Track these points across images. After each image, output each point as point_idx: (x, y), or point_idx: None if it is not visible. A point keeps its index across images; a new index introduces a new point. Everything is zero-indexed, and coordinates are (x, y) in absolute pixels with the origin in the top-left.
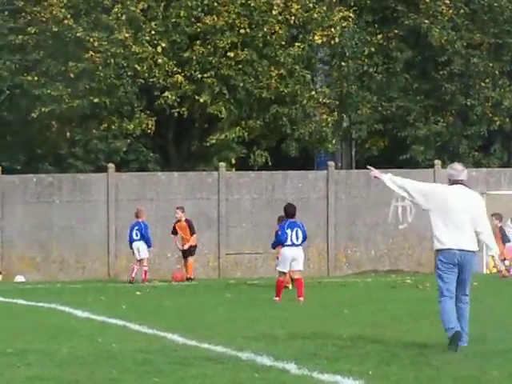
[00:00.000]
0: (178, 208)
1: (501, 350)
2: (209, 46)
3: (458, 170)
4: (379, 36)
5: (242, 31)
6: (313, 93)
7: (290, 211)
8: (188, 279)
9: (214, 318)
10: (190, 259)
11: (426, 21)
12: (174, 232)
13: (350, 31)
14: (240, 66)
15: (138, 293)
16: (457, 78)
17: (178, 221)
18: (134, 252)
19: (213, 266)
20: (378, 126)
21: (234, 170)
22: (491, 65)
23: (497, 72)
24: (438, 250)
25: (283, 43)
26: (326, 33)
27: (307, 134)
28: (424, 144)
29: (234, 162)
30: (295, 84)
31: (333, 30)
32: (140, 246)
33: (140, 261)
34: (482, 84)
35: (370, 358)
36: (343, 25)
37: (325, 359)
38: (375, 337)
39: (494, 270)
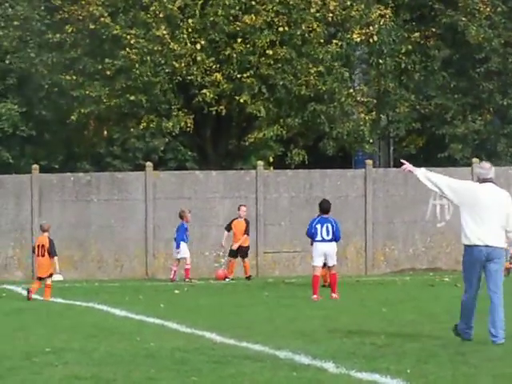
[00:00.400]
0: (243, 205)
1: None
2: (248, 45)
3: (486, 168)
4: (417, 34)
5: (280, 29)
6: (351, 91)
7: (323, 207)
8: (247, 278)
9: (251, 316)
10: (247, 260)
11: (464, 18)
12: (228, 228)
13: (387, 29)
14: (279, 65)
15: (176, 291)
16: (494, 76)
17: (236, 218)
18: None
19: (251, 265)
20: (415, 125)
21: (271, 168)
22: None
23: None
24: (466, 245)
25: (322, 41)
26: (364, 31)
27: (345, 132)
28: (462, 142)
29: (271, 160)
30: (333, 82)
31: (371, 27)
32: (182, 246)
33: (179, 260)
34: None
35: (407, 356)
36: (381, 22)
37: (362, 358)
38: (413, 335)
39: None
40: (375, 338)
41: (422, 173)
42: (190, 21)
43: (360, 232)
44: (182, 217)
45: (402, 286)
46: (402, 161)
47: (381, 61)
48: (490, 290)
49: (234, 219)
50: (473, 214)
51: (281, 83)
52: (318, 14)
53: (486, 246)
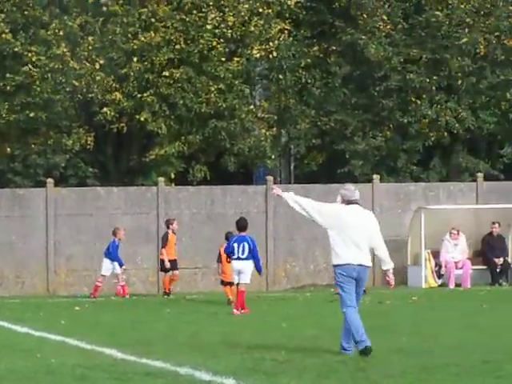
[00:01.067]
0: (174, 219)
1: (440, 365)
2: (146, 63)
3: (351, 190)
4: (316, 48)
5: (177, 47)
6: (251, 107)
7: (240, 225)
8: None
9: (152, 333)
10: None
11: (364, 36)
12: (165, 244)
13: (287, 44)
14: (179, 84)
15: (76, 308)
16: (394, 93)
17: (167, 233)
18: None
19: (152, 281)
20: (316, 141)
21: (173, 184)
22: (428, 80)
23: (434, 88)
24: (337, 265)
25: (222, 59)
26: (263, 46)
27: (246, 148)
28: (362, 158)
29: (173, 176)
30: (234, 98)
31: (270, 43)
32: (105, 262)
33: (103, 276)
34: (419, 101)
35: (308, 372)
36: (280, 38)
37: (263, 374)
38: (314, 351)
39: (433, 284)
40: (276, 353)
41: (290, 197)
42: (89, 38)
43: (261, 248)
44: (114, 233)
45: (303, 301)
46: (272, 186)
47: (281, 76)
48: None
49: (167, 234)
50: (342, 235)
51: (181, 102)
52: (216, 31)
53: (359, 265)
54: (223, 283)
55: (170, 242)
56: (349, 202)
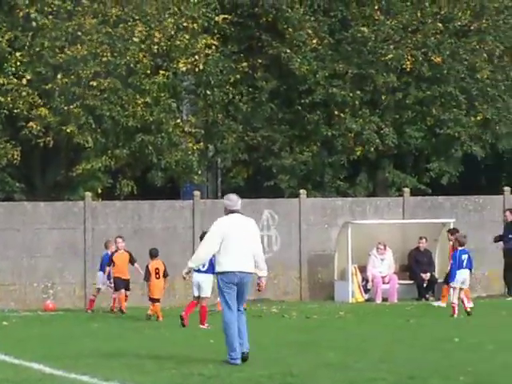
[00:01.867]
0: (119, 237)
1: (366, 380)
2: (72, 76)
3: (234, 200)
4: (244, 64)
5: (104, 59)
6: (178, 121)
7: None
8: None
9: (80, 347)
10: (127, 293)
11: (289, 50)
12: (109, 263)
13: (214, 59)
14: (105, 96)
15: (4, 323)
16: (319, 107)
17: (116, 251)
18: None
19: (79, 296)
20: (242, 156)
21: (100, 199)
22: (351, 95)
23: (357, 102)
24: (219, 273)
25: (148, 72)
26: (189, 60)
27: (173, 163)
28: (289, 173)
29: (100, 191)
30: (160, 112)
31: (197, 57)
32: (100, 276)
33: (98, 289)
34: (342, 115)
35: None
36: (207, 52)
37: None
38: (241, 366)
39: (360, 299)
40: (203, 368)
41: (192, 261)
42: (17, 54)
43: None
44: (106, 246)
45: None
46: (183, 275)
47: (208, 91)
48: (238, 311)
49: (114, 252)
50: (225, 243)
51: (107, 114)
52: (142, 45)
53: (240, 272)
54: (152, 300)
55: (116, 261)
56: (231, 212)
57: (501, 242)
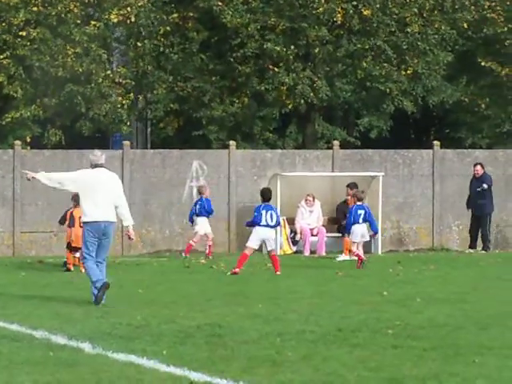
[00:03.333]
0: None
1: (295, 332)
2: (3, 24)
3: (98, 155)
4: (175, 15)
5: (35, 9)
6: (108, 72)
7: (267, 196)
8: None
9: (8, 296)
10: None
11: (220, 3)
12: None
13: (145, 11)
14: (35, 46)
15: None
16: (251, 60)
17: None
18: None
19: (7, 245)
20: (173, 106)
21: (29, 148)
22: (285, 49)
23: (291, 56)
24: (86, 222)
25: (78, 22)
26: (121, 12)
27: (102, 113)
28: (219, 124)
29: (29, 140)
30: (90, 63)
31: (129, 9)
32: (202, 220)
33: (204, 235)
34: (276, 68)
35: (164, 338)
36: (139, 4)
37: (119, 338)
38: (169, 317)
39: (288, 251)
40: (131, 319)
41: (42, 175)
42: None
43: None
44: (200, 192)
45: (159, 267)
46: (24, 171)
47: (139, 43)
48: (100, 258)
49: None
50: (90, 195)
51: (37, 64)
52: None
53: (105, 221)
54: (70, 247)
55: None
56: (95, 166)
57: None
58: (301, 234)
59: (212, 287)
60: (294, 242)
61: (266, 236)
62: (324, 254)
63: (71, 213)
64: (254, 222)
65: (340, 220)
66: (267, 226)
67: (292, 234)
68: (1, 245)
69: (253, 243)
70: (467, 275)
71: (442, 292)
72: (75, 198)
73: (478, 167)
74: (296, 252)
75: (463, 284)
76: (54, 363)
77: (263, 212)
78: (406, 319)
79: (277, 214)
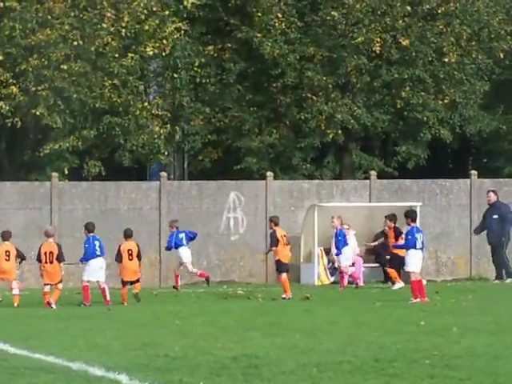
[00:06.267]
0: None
1: (332, 362)
2: (43, 59)
3: None
4: (210, 47)
5: (74, 43)
6: (145, 103)
7: (414, 217)
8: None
9: (45, 327)
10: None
11: (259, 34)
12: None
13: (182, 43)
14: (74, 78)
15: None
16: (290, 90)
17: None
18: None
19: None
20: (211, 137)
21: (66, 180)
22: (325, 78)
23: (330, 85)
24: None
25: (116, 55)
26: (157, 44)
27: (140, 145)
28: (257, 155)
29: (66, 172)
30: (128, 94)
31: (165, 41)
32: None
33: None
34: (315, 97)
35: (200, 369)
36: (175, 36)
37: (156, 370)
38: (206, 348)
39: (326, 282)
40: (169, 350)
41: None
42: None
43: (154, 244)
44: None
45: (196, 298)
46: None
47: (175, 74)
48: None
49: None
50: None
51: (75, 96)
52: (112, 28)
53: None
54: (123, 283)
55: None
56: None
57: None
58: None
59: (249, 318)
60: (332, 272)
61: (421, 258)
62: (362, 284)
63: (119, 247)
64: (409, 245)
65: (378, 250)
66: (421, 248)
67: (330, 264)
68: (38, 277)
69: (416, 268)
70: (505, 305)
71: (480, 322)
72: (128, 233)
73: (491, 194)
74: (334, 282)
75: (501, 314)
76: None
77: (417, 236)
78: (443, 349)
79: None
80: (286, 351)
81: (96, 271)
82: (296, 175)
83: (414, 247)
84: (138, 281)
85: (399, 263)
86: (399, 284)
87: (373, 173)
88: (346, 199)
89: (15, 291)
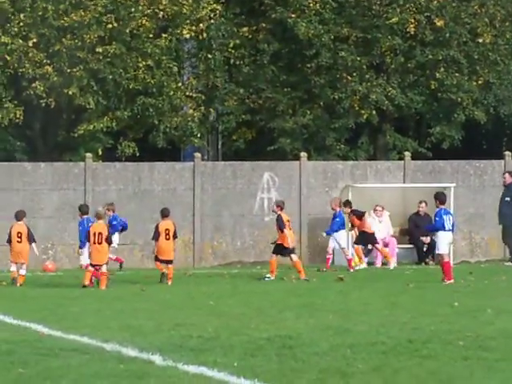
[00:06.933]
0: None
1: (365, 343)
2: (76, 40)
3: None
4: (245, 29)
5: (109, 26)
6: (179, 84)
7: (443, 199)
8: None
9: (79, 308)
10: None
11: (293, 15)
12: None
13: (217, 24)
14: (108, 59)
15: (3, 283)
16: (324, 71)
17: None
18: None
19: (77, 257)
20: (245, 117)
21: (100, 160)
22: (359, 59)
23: (364, 66)
24: None
25: (151, 35)
26: (193, 27)
27: (173, 127)
28: (291, 136)
29: (100, 152)
30: (162, 75)
31: (201, 24)
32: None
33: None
34: (350, 78)
35: (234, 349)
36: (211, 16)
37: (190, 351)
38: (240, 329)
39: (363, 266)
40: (203, 331)
41: None
42: (21, 15)
43: (188, 225)
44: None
45: (230, 279)
46: None
47: (210, 55)
48: None
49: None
50: None
51: (110, 77)
52: (148, 11)
53: None
54: (158, 260)
55: None
56: None
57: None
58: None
59: (283, 299)
60: (366, 253)
61: (450, 240)
62: (395, 265)
63: (156, 225)
64: (437, 227)
65: (412, 231)
66: (450, 230)
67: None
68: (72, 257)
69: (444, 249)
70: None
71: None
72: (165, 213)
73: (507, 175)
74: (367, 263)
75: None
76: (124, 376)
77: (445, 217)
78: (476, 330)
79: (453, 217)
80: (320, 332)
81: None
82: (330, 156)
83: (443, 229)
84: (172, 261)
85: (365, 240)
86: (362, 265)
87: (407, 154)
88: (380, 180)
89: (22, 271)
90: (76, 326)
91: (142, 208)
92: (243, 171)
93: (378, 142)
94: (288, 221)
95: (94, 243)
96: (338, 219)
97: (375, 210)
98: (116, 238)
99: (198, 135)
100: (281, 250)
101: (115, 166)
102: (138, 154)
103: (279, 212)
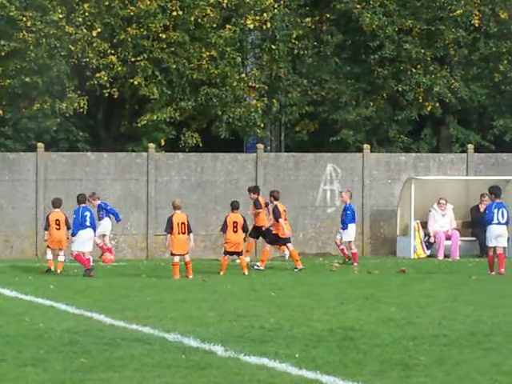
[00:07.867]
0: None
1: (427, 336)
2: (142, 29)
3: None
4: (308, 19)
5: (174, 14)
6: (243, 75)
7: (497, 192)
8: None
9: (141, 299)
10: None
11: (358, 6)
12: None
13: (281, 14)
14: (172, 49)
15: (74, 271)
16: (388, 62)
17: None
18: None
19: (141, 247)
20: (308, 109)
21: (163, 151)
22: (423, 51)
23: (428, 58)
24: None
25: (215, 26)
26: (257, 17)
27: (236, 117)
28: (353, 128)
29: (163, 143)
30: (225, 66)
31: (265, 14)
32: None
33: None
34: (414, 70)
35: (296, 341)
36: (274, 6)
37: (252, 342)
38: (302, 320)
39: (422, 255)
40: (264, 322)
41: None
42: (85, 5)
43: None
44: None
45: (292, 270)
46: None
47: (273, 46)
48: None
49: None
50: None
51: (174, 67)
52: (212, 0)
53: None
54: (226, 253)
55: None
56: None
57: None
58: (435, 237)
59: (345, 290)
60: (428, 246)
61: (499, 233)
62: (458, 257)
63: (225, 218)
64: (487, 221)
65: (475, 224)
66: (499, 223)
67: (426, 238)
68: (135, 247)
69: (492, 243)
70: None
71: None
72: (235, 205)
73: None
74: (430, 256)
75: None
76: (185, 366)
77: (495, 211)
78: None
79: (507, 210)
80: (382, 324)
81: (85, 242)
82: (392, 148)
83: (491, 222)
84: (241, 253)
85: (274, 239)
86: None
87: (470, 146)
88: (443, 172)
89: (61, 258)
90: (138, 316)
91: (204, 199)
92: (306, 162)
93: (440, 135)
94: (284, 211)
95: (179, 233)
96: (348, 211)
97: (439, 203)
98: (108, 224)
99: (262, 126)
100: (276, 239)
101: (178, 157)
102: (200, 145)
103: (275, 202)
